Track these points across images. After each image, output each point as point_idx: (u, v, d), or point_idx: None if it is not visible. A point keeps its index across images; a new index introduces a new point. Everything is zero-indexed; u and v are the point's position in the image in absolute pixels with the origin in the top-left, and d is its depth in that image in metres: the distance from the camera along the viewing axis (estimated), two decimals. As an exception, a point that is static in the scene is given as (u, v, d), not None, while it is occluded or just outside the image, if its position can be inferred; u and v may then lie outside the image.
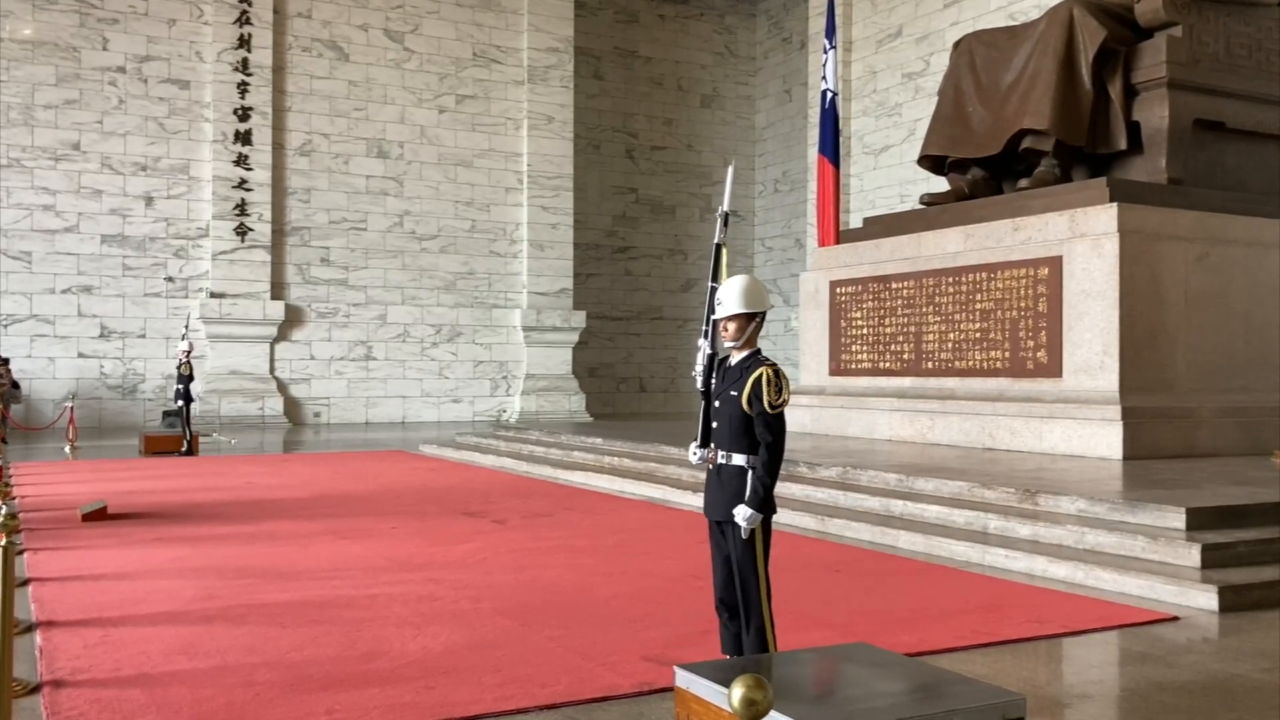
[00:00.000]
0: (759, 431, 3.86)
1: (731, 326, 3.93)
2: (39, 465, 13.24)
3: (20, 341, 19.29)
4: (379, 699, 4.03)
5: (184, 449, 14.81)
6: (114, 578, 6.34)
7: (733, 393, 3.90)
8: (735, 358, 3.97)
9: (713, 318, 3.99)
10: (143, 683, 4.24)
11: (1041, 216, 10.75)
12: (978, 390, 11.28)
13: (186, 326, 17.19)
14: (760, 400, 3.81)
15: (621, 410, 25.19)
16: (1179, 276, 10.19)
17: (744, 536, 3.85)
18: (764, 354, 3.98)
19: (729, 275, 4.04)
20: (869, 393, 12.77)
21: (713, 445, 3.98)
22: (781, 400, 3.84)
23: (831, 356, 13.53)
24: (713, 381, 4.01)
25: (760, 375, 3.84)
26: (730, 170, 4.52)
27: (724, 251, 4.13)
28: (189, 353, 15.16)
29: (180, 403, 14.93)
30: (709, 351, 4.01)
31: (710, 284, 4.03)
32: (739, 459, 3.89)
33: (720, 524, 3.98)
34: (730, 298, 3.94)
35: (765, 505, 3.83)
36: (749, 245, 27.12)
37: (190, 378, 15.07)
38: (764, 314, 3.99)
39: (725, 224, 4.16)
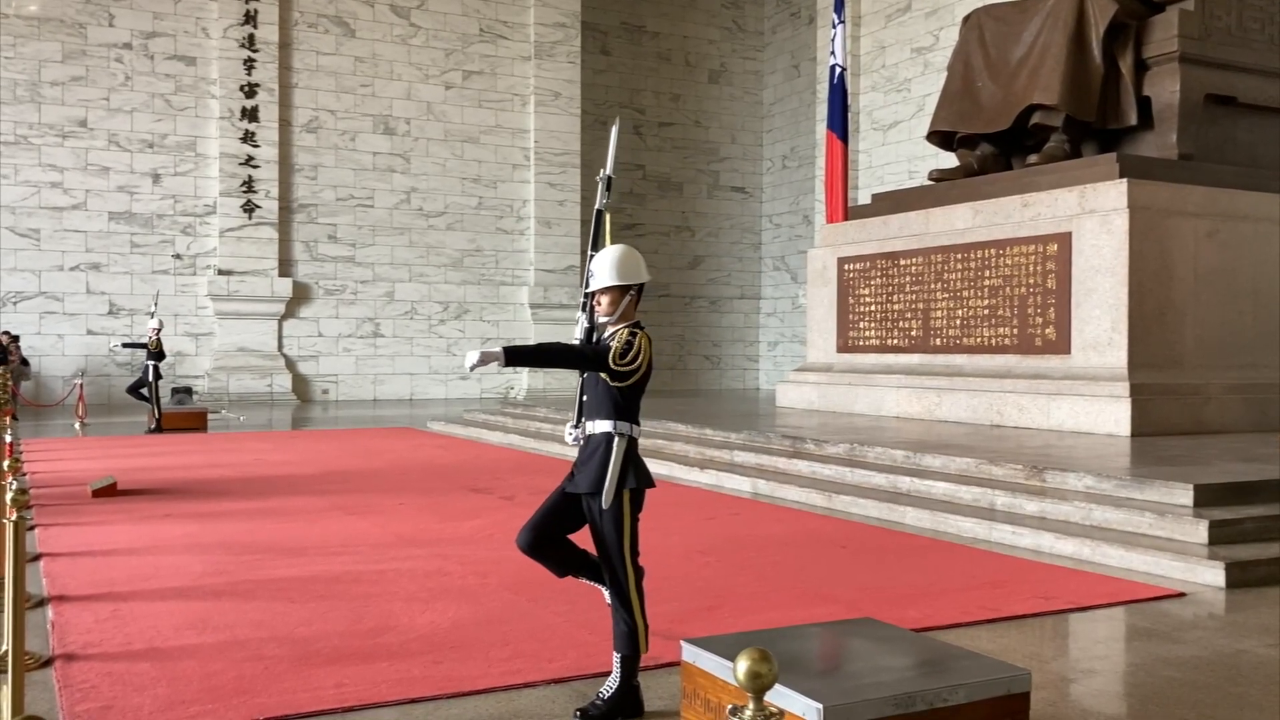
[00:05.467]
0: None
1: (605, 300, 3.69)
2: (49, 442, 13.30)
3: (29, 318, 19.34)
4: (387, 673, 4.06)
5: (153, 426, 14.79)
6: (124, 553, 6.38)
7: None
8: (608, 332, 3.70)
9: (585, 290, 3.75)
10: (153, 656, 4.27)
11: (1051, 192, 10.70)
12: (985, 367, 11.26)
13: (155, 304, 17.06)
14: (609, 355, 3.56)
15: (629, 387, 25.15)
16: (1188, 253, 10.15)
17: (605, 504, 3.58)
18: (641, 326, 3.70)
19: (611, 244, 3.80)
20: (877, 370, 12.75)
21: (579, 423, 3.76)
22: (628, 361, 3.56)
23: (839, 333, 13.51)
24: None
25: (613, 337, 3.62)
26: (614, 130, 4.22)
27: (606, 218, 3.88)
28: (159, 330, 15.16)
29: (151, 378, 14.93)
30: (586, 325, 3.77)
31: (590, 253, 3.79)
32: (603, 425, 3.66)
33: (584, 499, 3.70)
34: (602, 270, 3.69)
35: (513, 356, 3.49)
36: (757, 222, 27.04)
37: (160, 355, 15.08)
38: (640, 287, 3.73)
39: (608, 188, 3.94)
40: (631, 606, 3.66)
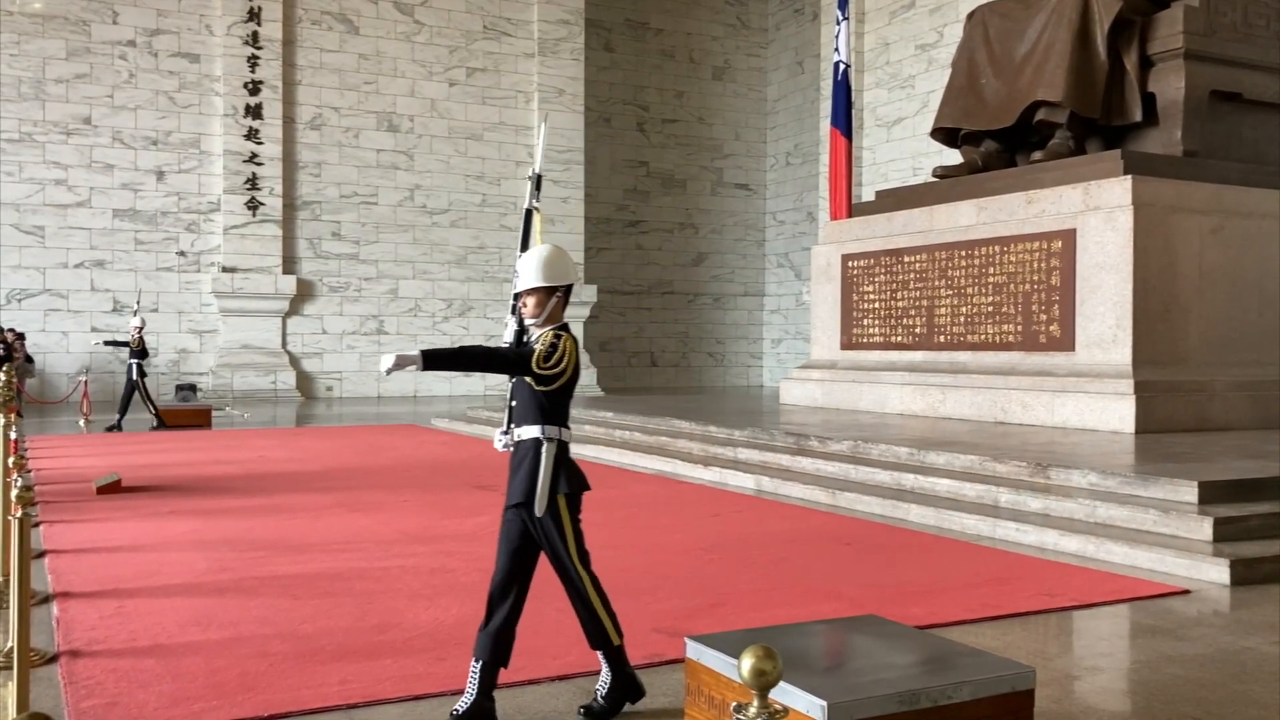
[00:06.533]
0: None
1: (530, 301, 3.59)
2: (53, 439, 13.33)
3: (34, 316, 19.37)
4: (391, 670, 4.06)
5: (156, 423, 14.73)
6: (129, 550, 6.39)
7: None
8: (535, 334, 3.61)
9: (513, 291, 3.66)
10: (158, 653, 4.28)
11: (1055, 189, 10.68)
12: (990, 364, 11.24)
13: (138, 302, 16.94)
14: (532, 359, 3.47)
15: (633, 385, 25.19)
16: (1193, 249, 10.12)
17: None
18: (567, 328, 3.60)
19: (542, 244, 3.71)
20: (880, 367, 12.74)
21: (509, 429, 3.65)
22: (552, 365, 3.46)
23: (843, 330, 13.50)
24: None
25: (538, 340, 3.52)
26: (544, 128, 4.14)
27: (535, 217, 3.80)
28: (141, 329, 15.11)
29: (137, 377, 14.87)
30: (515, 328, 3.67)
31: (519, 253, 3.71)
32: (532, 430, 3.56)
33: (518, 509, 3.60)
34: (528, 270, 3.58)
35: (431, 359, 3.37)
36: (760, 219, 27.03)
37: (143, 353, 15.04)
38: (568, 288, 3.63)
39: (537, 186, 3.87)
40: (594, 607, 3.62)
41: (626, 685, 3.66)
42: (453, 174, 22.48)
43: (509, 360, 3.53)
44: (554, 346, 3.49)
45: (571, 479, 3.59)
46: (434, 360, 3.41)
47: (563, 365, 3.49)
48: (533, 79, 23.04)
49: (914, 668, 3.11)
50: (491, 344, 3.72)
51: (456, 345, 3.54)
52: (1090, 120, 11.31)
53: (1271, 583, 5.63)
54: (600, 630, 3.63)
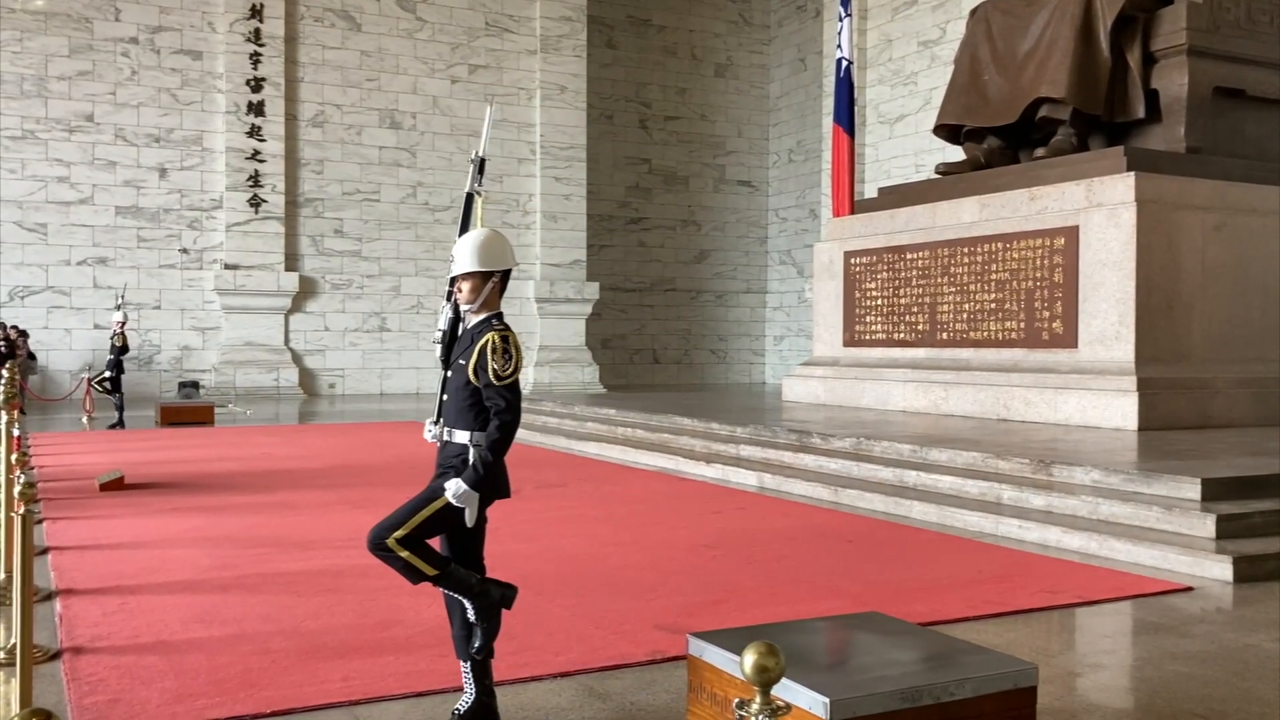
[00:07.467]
0: (489, 400, 3.42)
1: (465, 286, 3.51)
2: (56, 436, 13.34)
3: (37, 313, 19.38)
4: (394, 667, 4.06)
5: (115, 422, 14.56)
6: (131, 547, 6.40)
7: (461, 361, 3.50)
8: (471, 321, 3.55)
9: (449, 276, 3.59)
10: (161, 650, 4.28)
11: (1058, 186, 10.67)
12: (992, 361, 11.23)
13: (121, 298, 16.89)
14: (487, 371, 3.39)
15: (635, 382, 25.19)
16: (1196, 246, 10.11)
17: (455, 504, 3.41)
18: (503, 319, 3.55)
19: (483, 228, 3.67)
20: (883, 364, 12.73)
21: (440, 419, 3.58)
22: (511, 369, 3.41)
23: (845, 327, 13.49)
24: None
25: (486, 342, 3.42)
26: (489, 112, 4.08)
27: (477, 201, 3.76)
28: (123, 324, 15.02)
29: (110, 373, 14.77)
30: (450, 315, 3.61)
31: (459, 237, 3.65)
32: (461, 435, 3.49)
33: None
34: (463, 254, 3.51)
35: (481, 484, 3.41)
36: (763, 216, 27.00)
37: (124, 349, 14.97)
38: (505, 274, 3.55)
39: (480, 170, 3.81)
40: (404, 560, 3.45)
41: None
42: (455, 171, 22.46)
43: (505, 413, 3.43)
44: (507, 355, 3.42)
45: (488, 485, 3.49)
46: (483, 481, 3.41)
47: (515, 362, 3.44)
48: (535, 76, 23.03)
49: (916, 665, 3.11)
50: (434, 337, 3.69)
51: (479, 457, 3.35)
52: (1093, 117, 11.30)
53: (1274, 580, 5.62)
54: (410, 569, 3.47)
